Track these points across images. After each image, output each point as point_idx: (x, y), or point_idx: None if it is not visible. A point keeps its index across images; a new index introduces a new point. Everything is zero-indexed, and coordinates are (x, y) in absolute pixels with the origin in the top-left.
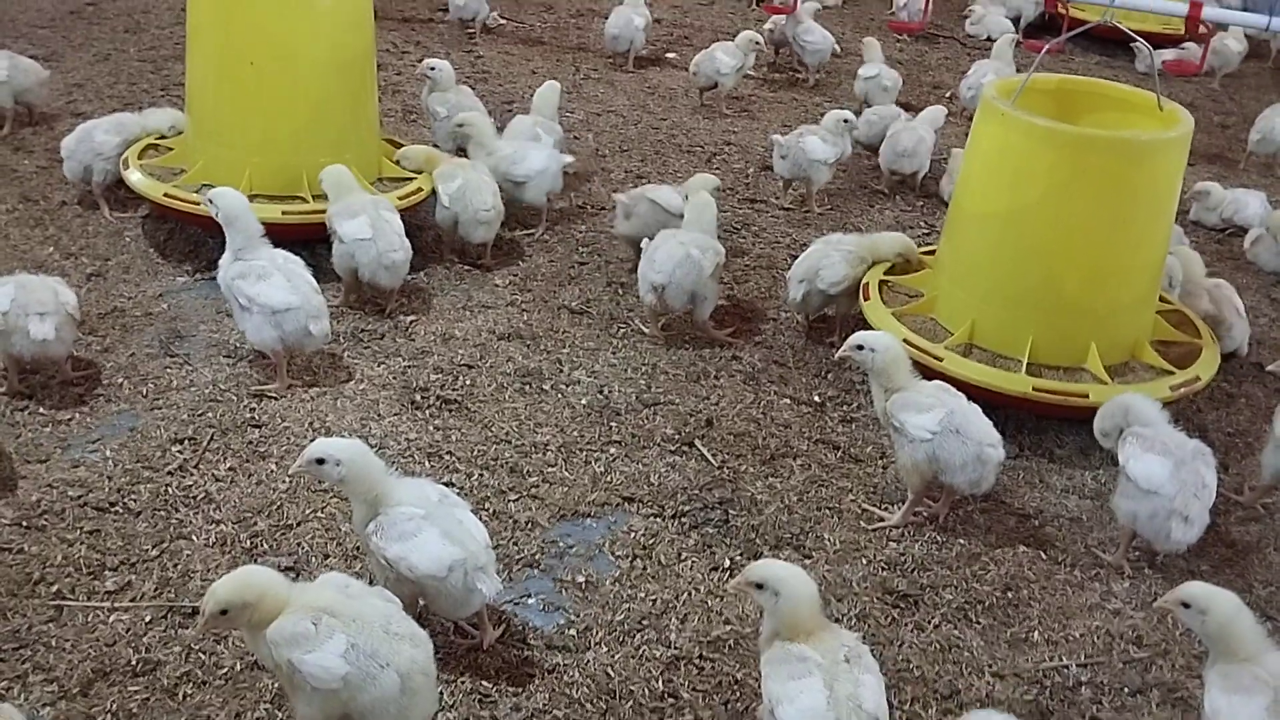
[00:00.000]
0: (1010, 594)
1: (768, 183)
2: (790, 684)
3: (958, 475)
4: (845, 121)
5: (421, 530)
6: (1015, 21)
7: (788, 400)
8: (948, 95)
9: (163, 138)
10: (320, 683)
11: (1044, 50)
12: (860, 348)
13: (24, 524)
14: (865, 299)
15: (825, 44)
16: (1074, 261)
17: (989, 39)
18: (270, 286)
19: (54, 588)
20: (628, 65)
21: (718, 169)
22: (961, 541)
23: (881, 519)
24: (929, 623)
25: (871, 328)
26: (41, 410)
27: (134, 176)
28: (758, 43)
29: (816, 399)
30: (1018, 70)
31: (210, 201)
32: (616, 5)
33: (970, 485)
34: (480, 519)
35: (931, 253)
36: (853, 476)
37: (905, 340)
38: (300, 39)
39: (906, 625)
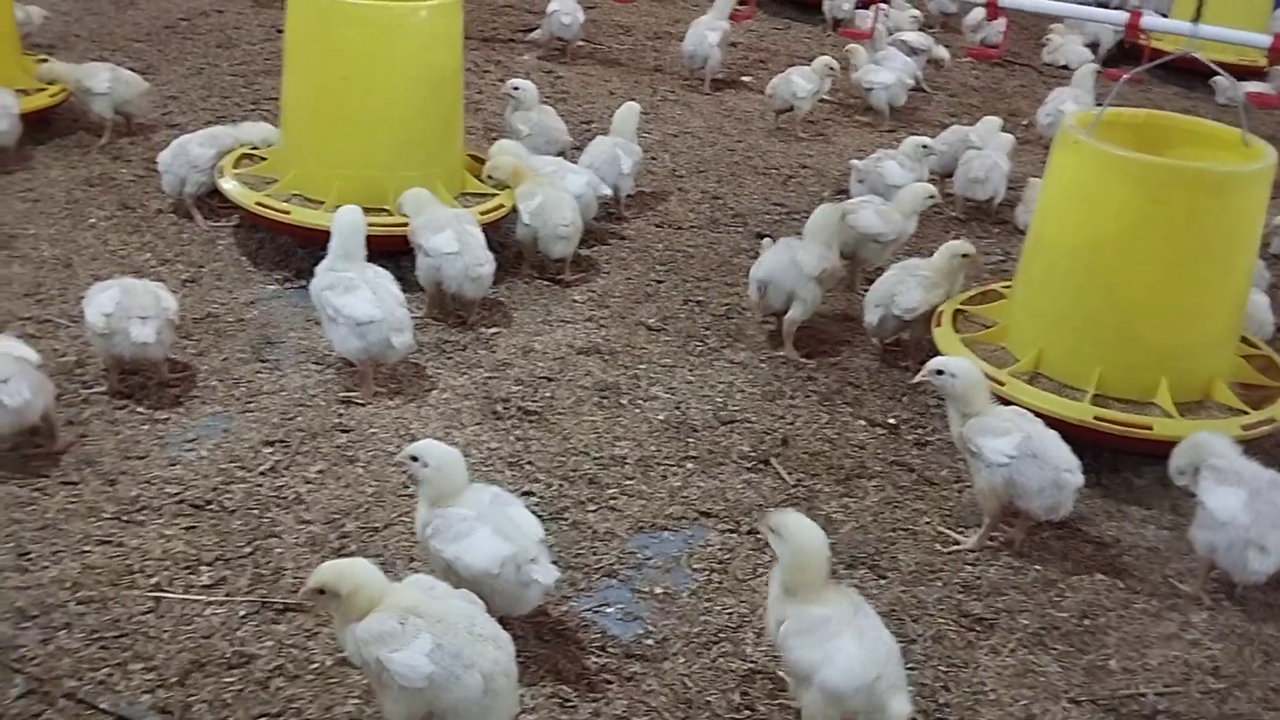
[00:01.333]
0: (1087, 621)
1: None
2: (826, 646)
3: (1034, 500)
4: (924, 147)
5: (474, 530)
6: (1093, 49)
7: (863, 422)
8: (1024, 123)
9: (255, 148)
10: (407, 681)
11: (1121, 80)
12: (940, 373)
13: (124, 518)
14: (936, 325)
15: (894, 81)
16: (1147, 295)
17: (1066, 67)
18: (356, 299)
19: (152, 580)
20: (704, 87)
21: (793, 192)
22: (1038, 568)
23: (957, 542)
24: (1005, 647)
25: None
26: (140, 409)
27: (228, 185)
28: (833, 68)
29: (891, 421)
30: (1097, 100)
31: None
32: (693, 21)
33: (1047, 511)
34: (560, 528)
35: (1009, 286)
36: (928, 499)
37: None
38: (392, 57)
39: (982, 649)
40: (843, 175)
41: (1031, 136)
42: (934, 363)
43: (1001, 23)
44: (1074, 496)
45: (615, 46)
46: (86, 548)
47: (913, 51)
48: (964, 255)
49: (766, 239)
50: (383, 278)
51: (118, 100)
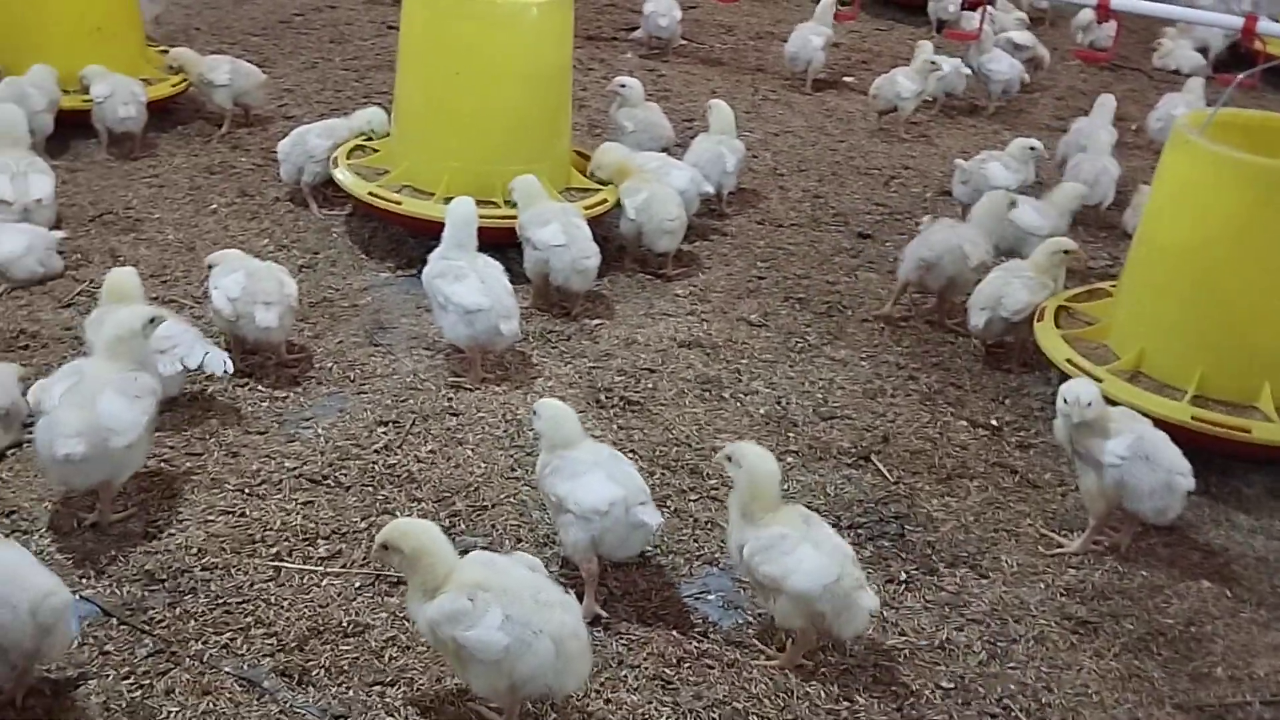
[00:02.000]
0: (1193, 629)
1: (946, 208)
2: (788, 559)
3: (1144, 503)
4: (1031, 149)
5: (588, 472)
6: (1203, 54)
7: (964, 422)
8: (1133, 128)
9: (368, 138)
10: (485, 655)
11: (1234, 83)
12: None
13: (246, 491)
14: (1039, 320)
15: (1011, 73)
16: (1255, 297)
17: (1177, 72)
18: (465, 287)
19: (273, 550)
20: (806, 87)
21: (895, 193)
22: (1143, 573)
23: (1061, 545)
24: (1109, 651)
25: (1039, 348)
26: (260, 388)
27: (342, 175)
28: (934, 63)
29: (994, 423)
30: (1208, 104)
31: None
32: (797, 24)
33: (1156, 514)
34: (662, 516)
35: (1115, 284)
36: (1030, 501)
37: (1068, 360)
38: (504, 53)
39: (1085, 651)
40: (946, 176)
41: (1140, 142)
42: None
43: (1111, 25)
44: (1184, 501)
45: (717, 46)
46: (211, 517)
47: (1016, 49)
48: (1065, 251)
49: (927, 217)
50: (492, 267)
51: (237, 92)
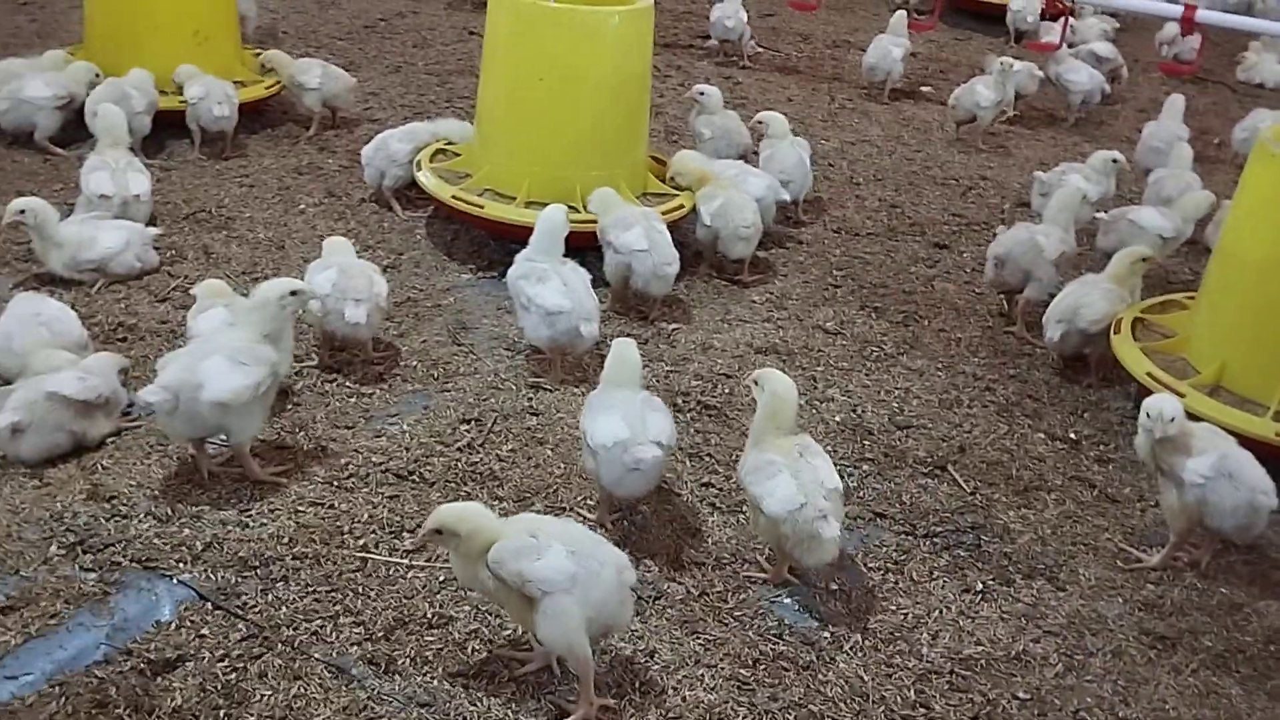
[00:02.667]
0: (1273, 647)
1: (1023, 218)
2: (767, 483)
3: (1226, 520)
4: (1114, 161)
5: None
6: None
7: (1042, 435)
8: (1216, 142)
9: (451, 144)
10: (553, 585)
11: None
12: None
13: (334, 483)
14: (1115, 332)
15: (1091, 84)
16: None
17: (1261, 85)
18: (547, 289)
19: (360, 541)
20: (883, 96)
21: (972, 203)
22: (1223, 590)
23: (1140, 560)
24: (1187, 666)
25: (1118, 360)
26: (348, 384)
27: (425, 178)
28: (1006, 63)
29: (1072, 436)
30: None
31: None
32: (876, 35)
33: (1238, 532)
34: (738, 521)
35: (1193, 297)
36: (1109, 515)
37: (1148, 374)
38: (586, 60)
39: (1163, 667)
40: (1024, 187)
41: (1224, 156)
42: (1157, 410)
43: (1196, 38)
44: (1266, 519)
45: (794, 54)
46: (301, 508)
47: (1098, 61)
48: (1143, 259)
49: (1001, 227)
50: (576, 271)
51: (327, 95)
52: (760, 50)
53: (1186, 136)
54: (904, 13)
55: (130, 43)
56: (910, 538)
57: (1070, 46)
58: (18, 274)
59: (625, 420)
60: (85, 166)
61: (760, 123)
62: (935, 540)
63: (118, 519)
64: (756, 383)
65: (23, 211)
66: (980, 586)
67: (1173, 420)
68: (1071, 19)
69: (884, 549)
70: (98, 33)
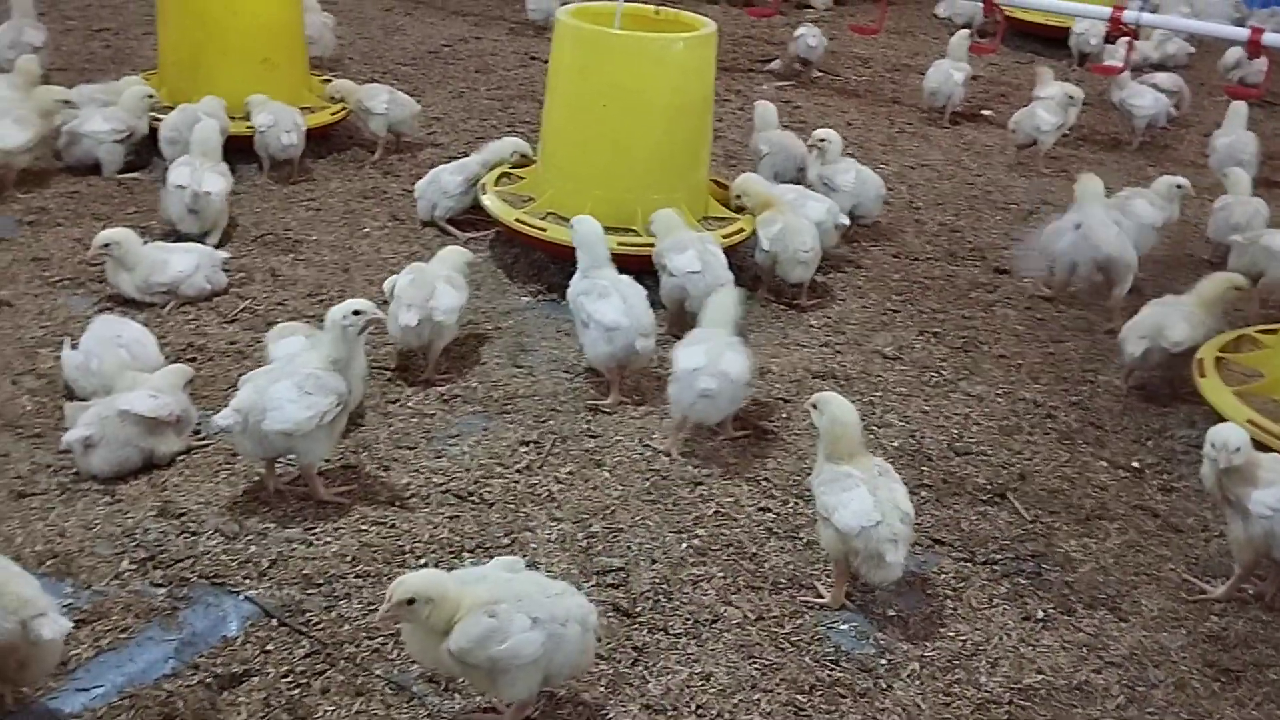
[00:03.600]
0: None
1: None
2: (842, 495)
3: None
4: (1179, 187)
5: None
6: None
7: (1104, 463)
8: None
9: (515, 166)
10: (527, 659)
11: None
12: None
13: (396, 503)
14: (1201, 375)
15: (1157, 108)
16: None
17: None
18: (607, 305)
19: (421, 561)
20: (944, 120)
21: (1034, 228)
22: None
23: (1204, 591)
24: (1251, 700)
25: (1212, 407)
26: (410, 405)
27: (489, 201)
28: (1073, 97)
29: (1135, 465)
30: None
31: (571, 226)
32: (936, 59)
33: None
34: (795, 546)
35: (1268, 332)
36: (1172, 545)
37: (1249, 421)
38: (649, 85)
39: (1227, 700)
40: None
41: None
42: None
43: (1262, 61)
44: None
45: (853, 78)
46: (364, 527)
47: (1161, 89)
48: (1236, 288)
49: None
50: (634, 288)
51: (392, 120)
52: (820, 74)
53: (1253, 151)
54: (966, 34)
55: (202, 70)
56: (969, 564)
57: (1135, 70)
58: (93, 294)
59: (705, 353)
60: (174, 164)
61: (822, 140)
62: (995, 567)
63: (187, 535)
64: (815, 407)
65: (107, 245)
66: (1041, 615)
67: (1238, 450)
68: (1135, 41)
69: (943, 575)
70: (170, 60)
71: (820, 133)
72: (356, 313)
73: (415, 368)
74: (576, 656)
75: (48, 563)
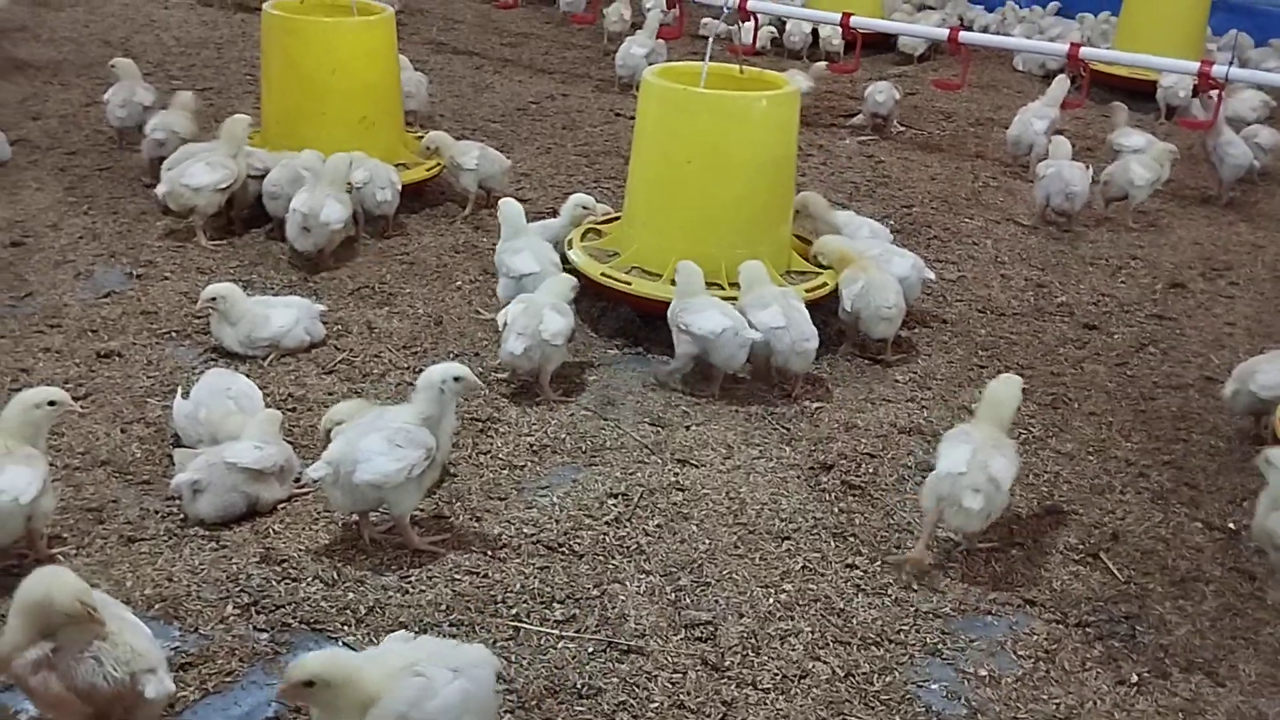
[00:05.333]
0: None
1: (1176, 299)
2: (945, 445)
3: None
4: None
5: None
6: None
7: (1199, 524)
8: None
9: (605, 222)
10: (460, 710)
11: None
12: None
13: (488, 553)
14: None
15: (1245, 160)
16: None
17: None
18: (769, 314)
19: (513, 611)
20: (1028, 174)
21: (1123, 283)
22: None
23: None
24: None
25: None
26: (500, 456)
27: (575, 256)
28: (1174, 154)
29: (1231, 525)
30: None
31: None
32: (1019, 109)
33: None
34: (883, 603)
35: None
36: (1270, 609)
37: None
38: (733, 143)
39: None
40: (1176, 267)
41: None
42: None
43: None
44: None
45: (936, 132)
46: (457, 576)
47: (1262, 151)
48: None
49: None
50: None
51: (483, 176)
52: (903, 129)
53: None
54: (1065, 80)
55: (303, 128)
56: (1061, 626)
57: (1232, 123)
58: (198, 345)
59: (724, 310)
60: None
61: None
62: (1088, 629)
63: (288, 582)
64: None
65: (213, 299)
66: (1135, 679)
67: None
68: (1223, 93)
69: (1034, 636)
70: (273, 118)
71: None
72: (456, 379)
73: (505, 421)
74: (489, 701)
75: (156, 606)
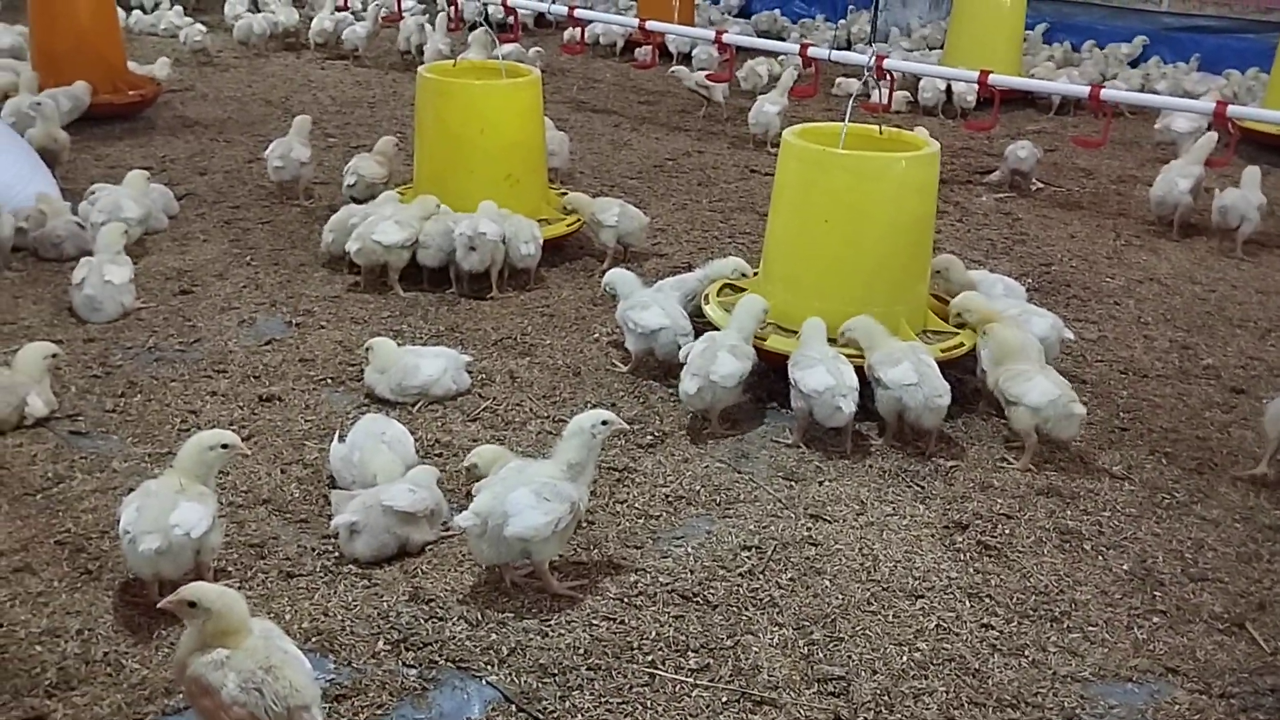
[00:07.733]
0: None
1: None
2: (1025, 384)
3: None
4: None
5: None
6: None
7: None
8: None
9: (731, 282)
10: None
11: None
12: None
13: (625, 600)
14: None
15: None
16: None
17: None
18: (899, 370)
19: (649, 657)
20: (1173, 233)
21: (1273, 346)
22: None
23: None
24: None
25: None
26: (636, 505)
27: (712, 311)
28: None
29: None
30: None
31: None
32: (1164, 167)
33: None
34: (1019, 664)
35: None
36: None
37: None
38: (871, 202)
39: None
40: None
41: None
42: None
43: None
44: None
45: (1076, 190)
46: (595, 621)
47: None
48: None
49: None
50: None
51: (622, 232)
52: (1042, 186)
53: None
54: (1213, 137)
55: (452, 185)
56: (1205, 696)
57: None
58: (352, 391)
59: (830, 370)
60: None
61: None
62: (1232, 701)
63: (435, 620)
64: (985, 333)
65: (369, 349)
66: None
67: None
68: None
69: (1176, 706)
70: (425, 176)
71: None
72: (604, 423)
73: (640, 471)
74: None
75: (313, 639)
